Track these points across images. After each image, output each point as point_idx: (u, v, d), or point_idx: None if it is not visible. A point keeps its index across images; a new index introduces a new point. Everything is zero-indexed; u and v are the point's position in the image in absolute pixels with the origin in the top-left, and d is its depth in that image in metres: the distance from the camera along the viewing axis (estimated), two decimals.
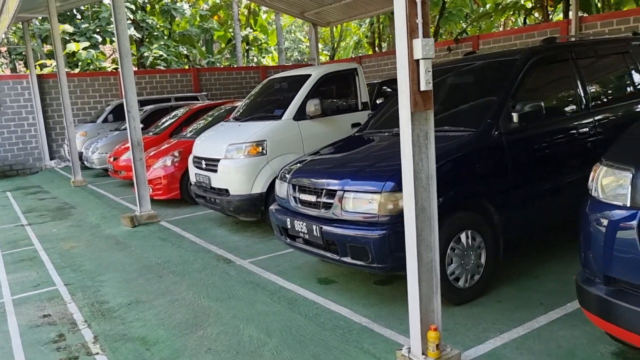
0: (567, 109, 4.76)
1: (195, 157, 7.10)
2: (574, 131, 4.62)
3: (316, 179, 4.31)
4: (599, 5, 15.28)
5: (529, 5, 16.43)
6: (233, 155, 6.32)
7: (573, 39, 8.04)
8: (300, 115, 6.53)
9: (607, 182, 2.68)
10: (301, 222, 4.29)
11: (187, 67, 23.34)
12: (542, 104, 4.25)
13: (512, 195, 4.21)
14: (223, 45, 28.56)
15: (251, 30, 27.64)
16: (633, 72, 5.22)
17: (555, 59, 4.76)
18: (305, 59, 37.32)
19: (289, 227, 4.47)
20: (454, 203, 3.90)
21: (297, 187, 4.49)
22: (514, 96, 4.30)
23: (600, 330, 3.36)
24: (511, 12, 16.77)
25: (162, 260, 5.87)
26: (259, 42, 27.94)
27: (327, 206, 4.11)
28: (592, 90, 4.87)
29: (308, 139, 6.51)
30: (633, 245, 2.47)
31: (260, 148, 6.25)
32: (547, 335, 3.43)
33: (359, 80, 7.06)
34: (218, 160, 6.45)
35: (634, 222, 2.47)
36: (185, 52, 24.52)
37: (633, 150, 2.68)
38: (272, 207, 4.99)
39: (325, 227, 4.05)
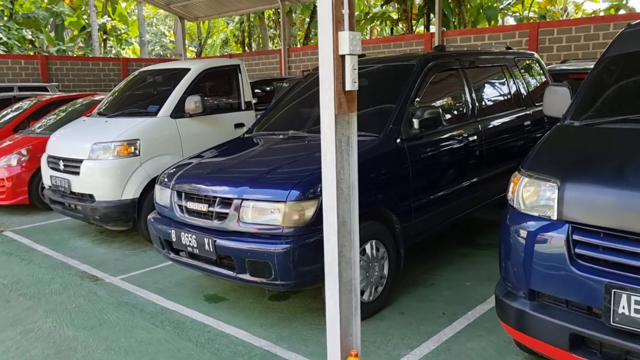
0: (457, 115, 4.82)
1: (50, 156, 6.11)
2: (466, 138, 4.68)
3: (207, 186, 3.82)
4: (456, 22, 16.46)
5: (396, 16, 17.19)
6: (99, 155, 5.52)
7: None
8: (178, 112, 5.91)
9: (530, 194, 2.62)
10: (189, 235, 3.77)
11: (32, 53, 20.77)
12: (440, 110, 4.23)
13: (413, 203, 4.11)
14: (76, 32, 26.00)
15: (109, 19, 25.52)
16: (510, 83, 5.49)
17: (447, 66, 4.80)
18: (169, 54, 35.52)
19: (174, 239, 3.92)
20: (360, 212, 3.67)
21: (183, 194, 3.95)
22: (413, 102, 4.23)
23: (505, 340, 3.37)
24: (378, 22, 17.42)
25: (9, 280, 4.90)
26: (118, 32, 25.91)
27: (222, 217, 3.65)
28: (477, 98, 5.01)
29: (187, 139, 5.93)
30: (561, 258, 2.41)
31: (133, 148, 5.52)
32: (457, 349, 3.34)
33: (241, 78, 6.62)
34: (80, 161, 5.59)
35: (562, 236, 2.41)
36: (30, 36, 21.85)
37: (556, 161, 2.65)
38: (151, 216, 4.39)
39: (219, 241, 3.59)
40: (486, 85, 5.27)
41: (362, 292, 3.72)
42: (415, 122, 4.10)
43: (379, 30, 22.77)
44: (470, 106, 4.84)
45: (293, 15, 22.45)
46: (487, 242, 5.41)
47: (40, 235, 6.37)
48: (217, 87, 6.52)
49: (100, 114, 6.48)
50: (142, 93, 6.64)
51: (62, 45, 23.48)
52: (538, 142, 3.03)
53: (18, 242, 6.13)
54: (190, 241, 3.77)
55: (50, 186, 6.11)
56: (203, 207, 3.76)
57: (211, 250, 3.63)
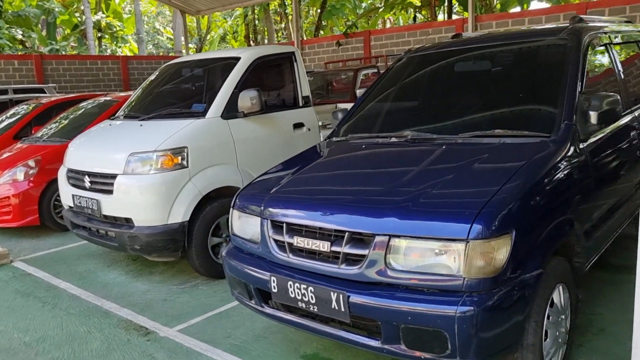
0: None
1: (71, 170, 4.93)
2: (631, 130, 3.59)
3: (325, 215, 2.67)
4: (482, 7, 15.38)
5: (418, 3, 16.07)
6: (137, 168, 4.35)
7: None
8: (230, 111, 4.75)
9: None
10: (303, 285, 2.64)
11: (21, 53, 19.47)
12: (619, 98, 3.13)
13: (591, 225, 3.02)
14: (68, 31, 24.64)
15: (103, 15, 24.17)
16: None
17: (601, 42, 3.69)
18: (162, 52, 34.18)
19: (275, 290, 2.78)
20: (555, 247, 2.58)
21: (284, 225, 2.82)
22: (582, 89, 3.12)
23: None
24: (399, 9, 16.30)
25: (33, 336, 3.75)
26: (113, 30, 24.56)
27: (355, 260, 2.52)
28: (631, 82, 3.92)
29: (242, 144, 4.78)
30: None
31: (180, 158, 4.37)
32: None
33: (298, 68, 5.47)
34: (114, 176, 4.42)
35: None
36: (21, 36, 20.51)
37: None
38: (226, 251, 3.25)
39: (355, 297, 2.46)
40: (637, 66, 4.16)
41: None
42: (593, 115, 3.00)
43: (392, 20, 21.59)
44: (625, 93, 3.74)
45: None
46: (622, 262, 4.31)
47: (60, 266, 5.21)
48: (271, 79, 5.37)
49: (128, 117, 5.30)
50: (180, 90, 5.47)
51: (55, 45, 22.13)
52: None
53: (34, 277, 4.97)
54: (304, 294, 2.64)
55: (71, 207, 4.94)
56: (321, 246, 2.62)
57: (342, 309, 2.50)
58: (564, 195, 2.70)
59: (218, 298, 4.23)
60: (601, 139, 3.18)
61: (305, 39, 19.34)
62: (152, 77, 5.80)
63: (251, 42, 22.79)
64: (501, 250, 2.27)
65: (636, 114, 3.83)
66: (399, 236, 2.40)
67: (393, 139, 3.39)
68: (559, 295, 2.67)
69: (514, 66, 3.59)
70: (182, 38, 21.27)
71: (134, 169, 4.36)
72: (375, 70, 11.74)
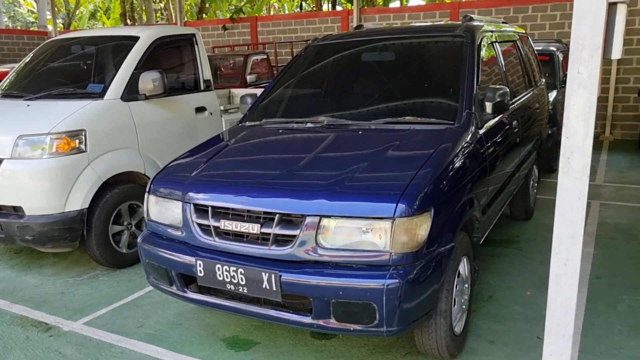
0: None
1: None
2: (512, 121, 4.07)
3: (254, 197, 2.71)
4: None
5: None
6: (27, 152, 4.00)
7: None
8: (131, 93, 4.54)
9: None
10: (232, 268, 2.66)
11: None
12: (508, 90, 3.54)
13: (486, 202, 3.39)
14: None
15: None
16: (523, 61, 4.97)
17: (490, 40, 4.10)
18: (19, 26, 30.91)
19: (200, 273, 2.77)
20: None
21: (210, 209, 2.80)
22: (478, 82, 3.48)
23: None
24: None
25: None
26: None
27: (285, 241, 2.60)
28: (511, 79, 4.41)
29: (144, 128, 4.59)
30: None
31: (77, 141, 4.09)
32: None
33: (199, 51, 5.35)
34: None
35: None
36: None
37: None
38: (141, 237, 3.16)
39: (287, 275, 2.54)
40: (512, 63, 4.67)
41: (456, 324, 2.93)
42: (488, 105, 3.36)
43: (276, 7, 21.61)
44: (509, 87, 4.20)
45: None
46: (501, 237, 4.88)
47: None
48: (171, 61, 5.18)
49: (8, 96, 4.82)
50: (71, 68, 5.06)
51: None
52: None
53: None
54: (233, 276, 2.66)
55: None
56: (251, 228, 2.66)
57: (273, 289, 2.56)
58: (467, 176, 3.01)
59: (123, 288, 4.07)
60: (493, 127, 3.57)
61: (187, 21, 18.66)
62: (35, 54, 5.31)
63: (128, 21, 21.47)
64: (422, 227, 2.48)
65: (515, 105, 4.33)
66: (328, 216, 2.52)
67: (309, 124, 3.50)
68: (463, 267, 2.98)
69: (418, 58, 3.87)
70: (48, 12, 19.43)
71: (22, 153, 4.00)
72: (265, 57, 11.76)
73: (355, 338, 3.20)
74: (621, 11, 1.53)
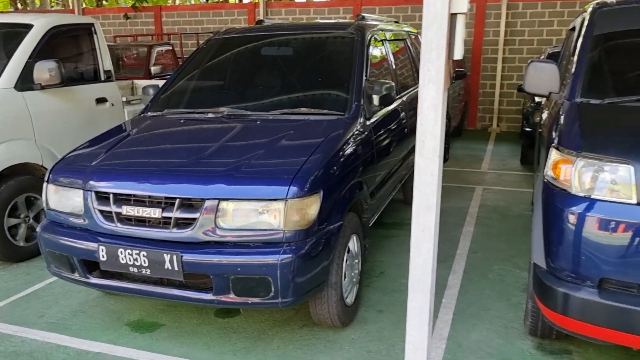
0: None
1: None
2: (400, 113, 4.46)
3: (155, 184, 2.85)
4: None
5: None
6: None
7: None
8: (26, 83, 4.43)
9: (594, 176, 2.46)
10: (134, 251, 2.78)
11: None
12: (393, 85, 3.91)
13: (374, 187, 3.74)
14: None
15: None
16: (410, 58, 5.41)
17: (378, 38, 4.46)
18: None
19: (103, 258, 2.86)
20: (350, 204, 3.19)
21: (111, 195, 2.90)
22: (366, 77, 3.82)
23: (501, 325, 3.27)
24: None
25: None
26: None
27: (186, 224, 2.77)
28: (399, 73, 4.81)
29: (40, 119, 4.50)
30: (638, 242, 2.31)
31: None
32: (466, 344, 3.12)
33: (98, 41, 5.28)
34: None
35: None
36: None
37: (616, 142, 2.54)
38: (41, 227, 3.18)
39: (188, 256, 2.71)
40: (401, 59, 5.08)
41: (347, 296, 3.25)
42: (375, 98, 3.70)
43: None
44: (396, 81, 4.61)
45: None
46: (394, 220, 5.31)
47: None
48: (69, 51, 5.08)
49: None
50: None
51: None
52: (560, 118, 2.92)
53: None
54: (136, 259, 2.79)
55: None
56: (152, 213, 2.79)
57: (176, 269, 2.72)
58: (355, 162, 3.32)
59: (21, 281, 4.01)
60: (381, 118, 3.92)
61: (86, 8, 17.79)
62: None
63: (18, 5, 20.07)
64: (312, 207, 2.75)
65: (404, 98, 4.74)
66: (227, 200, 2.72)
67: (210, 115, 3.66)
68: (353, 244, 3.29)
69: (313, 54, 4.14)
70: None
71: None
72: (170, 48, 11.59)
73: (257, 314, 3.43)
74: (460, 20, 1.86)
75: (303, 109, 3.57)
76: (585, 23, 3.35)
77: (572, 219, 2.50)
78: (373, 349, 3.07)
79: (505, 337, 3.18)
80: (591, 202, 2.45)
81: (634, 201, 2.36)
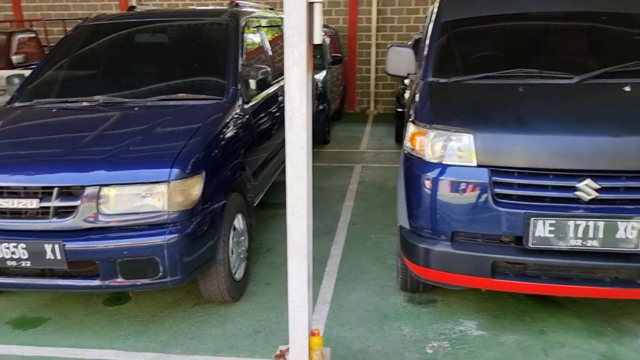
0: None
1: None
2: (277, 96, 4.68)
3: (30, 174, 2.79)
4: None
5: None
6: None
7: None
8: None
9: (444, 144, 2.84)
10: (12, 244, 2.72)
11: None
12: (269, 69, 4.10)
13: (256, 168, 3.92)
14: None
15: None
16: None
17: (252, 24, 4.61)
18: None
19: None
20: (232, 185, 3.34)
21: None
22: (242, 62, 3.97)
23: (377, 285, 3.64)
24: None
25: None
26: None
27: (66, 212, 2.75)
28: (275, 59, 5.01)
29: None
30: (485, 199, 2.73)
31: None
32: (347, 305, 3.43)
33: None
34: None
35: (485, 179, 2.73)
36: None
37: (460, 114, 2.92)
38: None
39: (71, 244, 2.71)
40: (279, 45, 5.27)
41: (236, 272, 3.42)
42: (252, 82, 3.87)
43: None
44: (272, 66, 4.80)
45: None
46: (280, 201, 5.55)
47: None
48: None
49: None
50: None
51: None
52: (416, 96, 3.28)
53: None
54: (13, 252, 2.72)
55: None
56: (29, 204, 2.74)
57: (58, 258, 2.71)
58: (236, 144, 3.48)
59: None
60: (259, 102, 4.10)
61: None
62: None
63: None
64: (195, 187, 2.87)
65: (282, 83, 4.95)
66: (108, 185, 2.75)
67: (85, 103, 3.60)
68: (238, 222, 3.46)
69: (189, 40, 4.19)
70: None
71: None
72: (34, 35, 10.78)
73: (148, 299, 3.48)
74: (318, 8, 2.08)
75: (181, 95, 3.64)
76: (435, 11, 3.77)
77: (427, 183, 2.87)
78: (263, 317, 3.27)
79: (381, 295, 3.54)
80: (443, 168, 2.84)
81: (475, 164, 2.77)
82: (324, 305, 3.42)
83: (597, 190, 2.64)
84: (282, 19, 5.76)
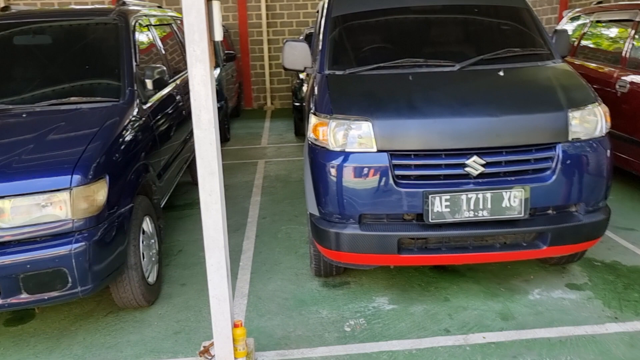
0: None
1: None
2: (176, 96, 4.60)
3: None
4: None
5: None
6: None
7: None
8: None
9: (345, 133, 2.99)
10: None
11: None
12: (165, 68, 4.03)
13: (160, 169, 3.87)
14: None
15: None
16: (175, 41, 5.55)
17: (144, 23, 4.49)
18: None
19: None
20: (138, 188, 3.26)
21: None
22: (136, 61, 3.87)
23: (292, 273, 3.75)
24: None
25: None
26: None
27: None
28: (169, 57, 4.92)
29: None
30: (387, 181, 2.91)
31: None
32: (265, 295, 3.50)
33: None
34: None
35: (386, 163, 2.92)
36: None
37: (358, 104, 3.08)
38: None
39: None
40: (170, 44, 5.17)
41: (148, 275, 3.36)
42: (148, 82, 3.79)
43: None
44: (167, 65, 4.72)
45: None
46: (186, 202, 5.48)
47: None
48: None
49: None
50: None
51: None
52: (314, 89, 3.41)
53: None
54: None
55: None
56: None
57: None
58: (138, 145, 3.40)
59: None
60: (158, 102, 4.02)
61: None
62: None
63: None
64: (100, 192, 2.79)
65: (178, 82, 4.88)
66: (2, 197, 2.59)
67: None
68: (147, 225, 3.39)
69: (77, 41, 3.98)
70: None
71: None
72: None
73: (54, 314, 3.31)
74: (216, 6, 2.12)
75: (73, 99, 3.48)
76: (325, 6, 3.93)
77: (333, 171, 3.01)
78: (182, 318, 3.25)
79: (297, 283, 3.65)
80: (346, 155, 3.00)
81: (375, 150, 2.95)
82: (242, 299, 3.46)
83: (483, 165, 2.93)
84: (171, 16, 5.67)
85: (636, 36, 5.10)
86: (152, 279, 3.39)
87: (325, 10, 3.90)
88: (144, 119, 3.63)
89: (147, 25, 4.55)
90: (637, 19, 5.13)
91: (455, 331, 3.03)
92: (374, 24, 3.97)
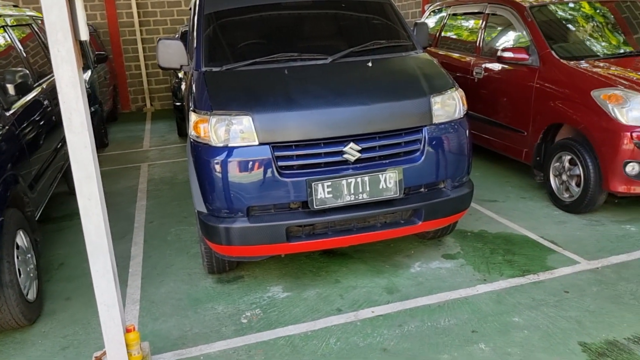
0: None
1: None
2: (45, 100, 4.31)
3: None
4: None
5: None
6: None
7: None
8: None
9: (226, 129, 3.03)
10: None
11: None
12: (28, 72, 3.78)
13: (31, 179, 3.62)
14: None
15: None
16: (37, 43, 5.20)
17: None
18: None
19: None
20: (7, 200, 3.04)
21: None
22: None
23: (184, 274, 3.73)
24: None
25: None
26: None
27: None
28: (31, 60, 4.60)
29: None
30: (271, 173, 3.00)
31: None
32: (157, 299, 3.43)
33: None
34: None
35: (268, 155, 3.00)
36: None
37: (237, 99, 3.11)
38: None
39: None
40: (31, 46, 4.82)
41: (27, 292, 3.16)
42: (10, 87, 3.54)
43: None
44: (30, 68, 4.42)
45: None
46: (65, 213, 5.18)
47: None
48: None
49: None
50: None
51: None
52: (193, 87, 3.40)
53: None
54: None
55: None
56: None
57: None
58: (2, 156, 3.16)
59: None
60: (23, 108, 3.76)
61: None
62: None
63: None
64: None
65: (44, 86, 4.58)
66: None
67: None
68: (21, 239, 3.18)
69: None
70: None
71: None
72: None
73: None
74: (79, 2, 2.05)
75: None
76: (197, 4, 3.91)
77: (217, 167, 3.04)
78: (69, 332, 3.10)
79: (190, 283, 3.63)
80: (229, 150, 3.03)
81: (257, 143, 3.03)
82: (133, 305, 3.37)
83: (359, 151, 3.12)
84: (30, 16, 5.29)
85: (487, 27, 5.66)
86: (31, 296, 3.19)
87: (197, 8, 3.88)
88: (7, 127, 3.39)
89: (2, 27, 4.22)
90: (486, 12, 5.69)
91: (347, 309, 3.20)
92: (247, 20, 4.02)
